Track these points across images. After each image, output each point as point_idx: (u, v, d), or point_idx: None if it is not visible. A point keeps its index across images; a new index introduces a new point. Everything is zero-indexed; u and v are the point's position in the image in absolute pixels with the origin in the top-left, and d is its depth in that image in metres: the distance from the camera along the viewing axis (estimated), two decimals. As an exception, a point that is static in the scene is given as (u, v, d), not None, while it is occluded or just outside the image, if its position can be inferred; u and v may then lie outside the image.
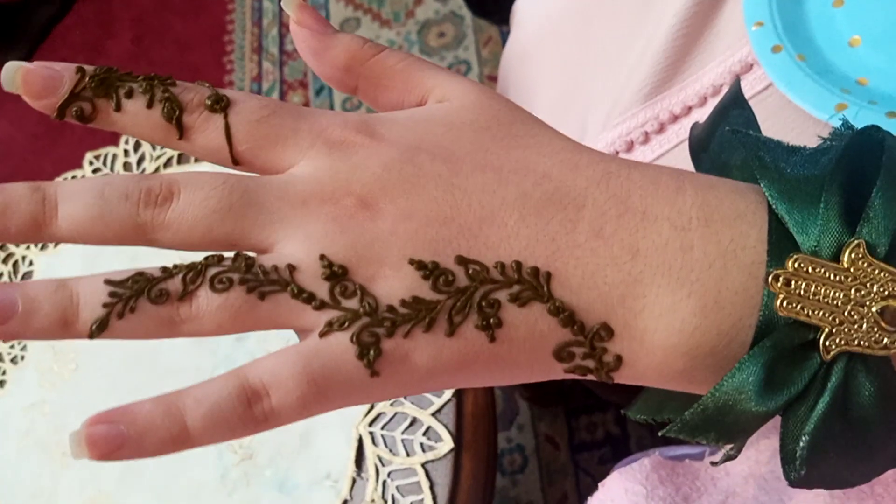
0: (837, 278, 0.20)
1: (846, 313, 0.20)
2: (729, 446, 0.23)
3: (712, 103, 0.43)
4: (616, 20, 0.47)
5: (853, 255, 0.20)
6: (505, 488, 0.96)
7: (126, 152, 0.66)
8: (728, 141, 0.26)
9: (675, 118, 0.44)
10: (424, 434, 0.51)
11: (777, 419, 0.22)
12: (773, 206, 0.21)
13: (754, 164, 0.22)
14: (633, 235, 0.22)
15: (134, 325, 0.21)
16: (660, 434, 0.22)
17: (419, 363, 0.21)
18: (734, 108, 0.28)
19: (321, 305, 0.21)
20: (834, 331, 0.21)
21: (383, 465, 0.51)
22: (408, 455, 0.51)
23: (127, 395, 0.57)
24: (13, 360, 0.64)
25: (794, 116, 0.38)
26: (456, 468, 0.50)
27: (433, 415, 0.51)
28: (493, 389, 0.57)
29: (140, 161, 0.65)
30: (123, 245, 0.22)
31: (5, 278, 0.67)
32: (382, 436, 0.52)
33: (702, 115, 0.43)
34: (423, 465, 0.50)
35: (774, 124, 0.39)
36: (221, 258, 0.22)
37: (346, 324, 0.21)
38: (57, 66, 0.23)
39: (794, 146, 0.23)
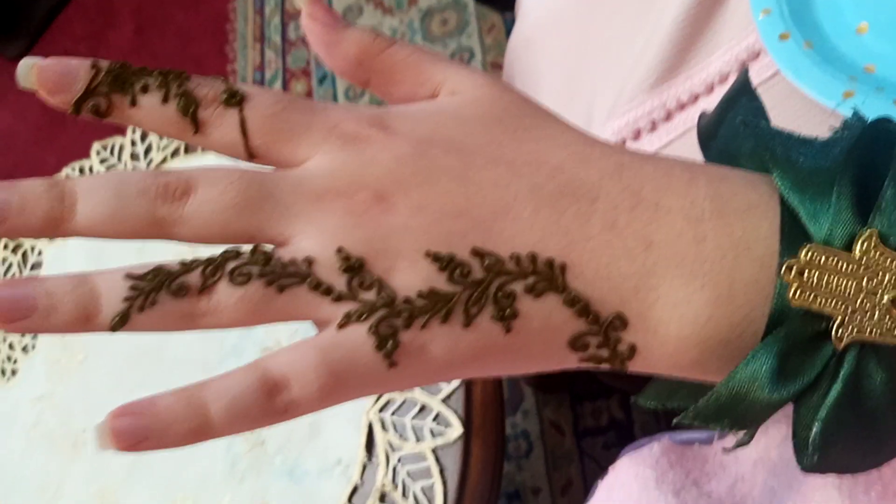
0: (850, 268, 0.21)
1: (858, 303, 0.21)
2: (741, 433, 0.23)
3: (719, 91, 0.43)
4: (621, 7, 0.47)
5: (865, 246, 0.21)
6: (510, 474, 0.97)
7: (133, 142, 0.66)
8: (737, 130, 0.26)
9: (682, 106, 0.44)
10: (434, 420, 0.52)
11: (788, 406, 0.22)
12: (786, 197, 0.22)
13: (766, 155, 0.22)
14: (646, 227, 0.22)
15: (154, 318, 0.21)
16: (674, 422, 0.23)
17: (436, 354, 0.22)
18: (743, 97, 0.28)
19: (339, 298, 0.21)
20: (846, 320, 0.21)
21: (393, 450, 0.52)
22: (418, 441, 0.51)
23: (135, 387, 0.58)
24: (24, 349, 0.64)
25: (802, 104, 0.38)
26: (465, 453, 0.50)
27: (443, 401, 0.52)
28: (500, 376, 0.58)
29: (147, 151, 0.65)
30: (142, 239, 0.23)
31: (14, 269, 0.67)
32: (392, 422, 0.52)
33: (708, 103, 0.43)
34: (433, 451, 0.51)
35: (781, 112, 0.39)
36: (239, 252, 0.22)
37: (364, 316, 0.21)
38: (72, 61, 0.23)
39: (806, 137, 0.23)
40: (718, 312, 0.21)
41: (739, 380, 0.21)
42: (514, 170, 0.22)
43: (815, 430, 0.21)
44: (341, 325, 0.21)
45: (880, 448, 0.22)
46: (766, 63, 0.40)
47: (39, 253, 0.67)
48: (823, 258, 0.21)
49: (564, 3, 0.50)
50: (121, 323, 0.21)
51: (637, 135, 0.46)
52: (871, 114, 0.31)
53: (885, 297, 0.21)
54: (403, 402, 0.53)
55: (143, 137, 0.66)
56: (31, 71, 0.22)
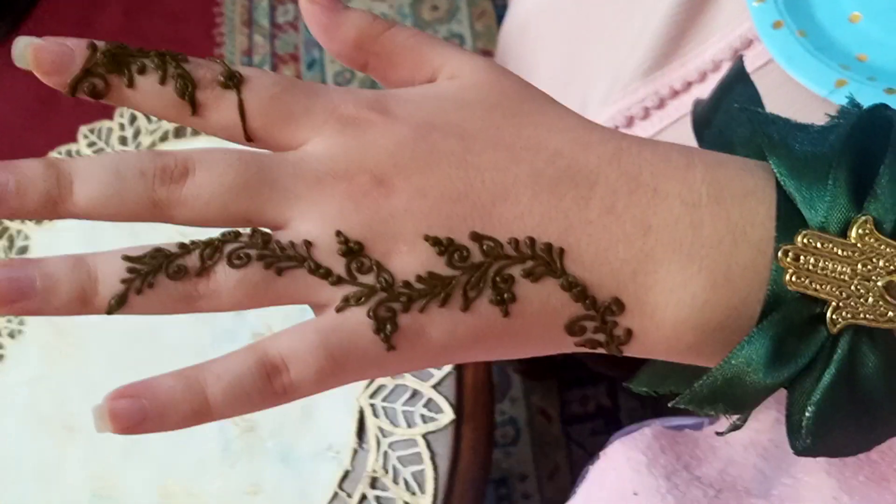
0: (845, 253, 0.21)
1: (853, 287, 0.21)
2: (735, 417, 0.23)
3: (712, 79, 0.43)
4: (616, -6, 0.47)
5: (861, 231, 0.21)
6: (498, 460, 0.97)
7: (122, 126, 0.65)
8: (733, 117, 0.26)
9: (675, 94, 0.45)
10: (425, 406, 0.52)
11: (779, 391, 0.22)
12: (782, 183, 0.22)
13: (763, 141, 0.22)
14: (644, 212, 0.22)
15: (152, 300, 0.21)
16: (669, 405, 0.23)
17: (434, 337, 0.22)
18: (738, 84, 0.28)
19: (338, 281, 0.21)
20: (840, 304, 0.21)
21: (384, 436, 0.52)
22: (409, 426, 0.52)
23: (128, 369, 0.58)
24: (11, 335, 0.64)
25: (795, 92, 0.39)
26: (456, 439, 0.51)
27: (434, 387, 0.52)
28: (489, 362, 0.58)
29: (136, 134, 0.65)
30: (139, 221, 0.22)
31: (0, 254, 0.67)
32: (384, 407, 0.53)
33: (702, 90, 0.44)
34: (423, 437, 0.51)
35: (774, 100, 0.39)
36: (238, 234, 0.22)
37: (363, 299, 0.21)
38: (69, 41, 0.23)
39: (802, 123, 0.23)
40: (715, 296, 0.22)
41: (735, 363, 0.21)
42: (513, 154, 0.22)
43: (808, 413, 0.21)
44: (340, 309, 0.21)
45: (873, 431, 0.23)
46: (759, 51, 0.41)
47: (26, 237, 0.66)
48: (819, 243, 0.21)
49: (558, -11, 0.50)
50: (118, 305, 0.21)
51: (630, 122, 0.46)
52: (862, 102, 0.31)
53: (879, 283, 0.21)
54: (395, 388, 0.53)
55: (132, 121, 0.66)
56: (26, 50, 0.22)
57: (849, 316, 0.21)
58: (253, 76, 0.23)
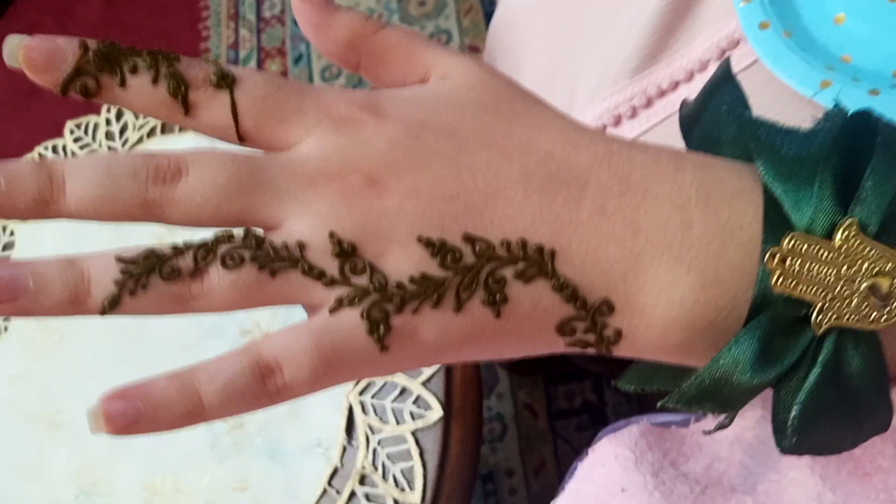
0: (830, 256, 0.21)
1: (837, 290, 0.21)
2: (722, 416, 0.24)
3: (699, 78, 0.44)
4: (604, -9, 0.47)
5: (846, 234, 0.21)
6: (484, 455, 0.98)
7: (108, 121, 0.65)
8: (720, 118, 0.27)
9: (662, 92, 0.45)
10: (414, 402, 0.52)
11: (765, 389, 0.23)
12: (769, 186, 0.22)
13: (751, 144, 0.23)
14: (634, 213, 0.22)
15: (145, 302, 0.21)
16: (658, 405, 0.23)
17: (427, 338, 0.22)
18: (725, 85, 0.28)
19: (331, 282, 0.22)
20: (826, 306, 0.21)
21: (373, 432, 0.52)
22: (398, 423, 0.52)
23: (113, 365, 0.58)
24: (-6, 332, 0.63)
25: (780, 92, 0.39)
26: (445, 435, 0.51)
27: (423, 384, 0.52)
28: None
29: (123, 130, 0.64)
30: (131, 222, 0.22)
31: (-16, 249, 0.66)
32: (373, 404, 0.53)
33: (689, 89, 0.44)
34: (412, 433, 0.51)
35: (760, 99, 0.40)
36: (231, 235, 0.22)
37: (357, 300, 0.21)
38: (59, 40, 0.23)
39: (789, 127, 0.23)
40: (704, 297, 0.22)
41: (723, 363, 0.22)
42: (505, 155, 0.23)
43: (794, 413, 0.22)
44: (333, 310, 0.22)
45: (856, 430, 0.23)
46: (745, 51, 0.41)
47: (11, 233, 0.65)
48: (805, 246, 0.21)
49: (547, -14, 0.50)
50: (112, 306, 0.21)
51: (618, 120, 0.46)
52: (847, 103, 0.32)
53: (863, 285, 0.21)
54: (384, 385, 0.53)
55: (119, 116, 0.65)
56: (17, 49, 0.22)
57: (833, 317, 0.21)
58: (245, 76, 0.23)
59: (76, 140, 0.66)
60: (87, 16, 1.43)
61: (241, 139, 0.23)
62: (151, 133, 0.63)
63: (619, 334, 0.23)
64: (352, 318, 0.21)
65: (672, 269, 0.22)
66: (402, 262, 0.22)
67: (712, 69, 0.43)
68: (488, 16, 1.21)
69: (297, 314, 0.22)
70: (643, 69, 0.45)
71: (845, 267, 0.21)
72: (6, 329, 0.63)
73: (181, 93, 0.23)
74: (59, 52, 0.22)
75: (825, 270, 0.21)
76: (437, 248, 0.22)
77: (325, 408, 0.53)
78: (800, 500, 0.28)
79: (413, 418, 0.52)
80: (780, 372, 0.22)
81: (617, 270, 0.22)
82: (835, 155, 0.22)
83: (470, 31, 1.22)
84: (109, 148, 0.64)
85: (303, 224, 0.22)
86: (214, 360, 0.21)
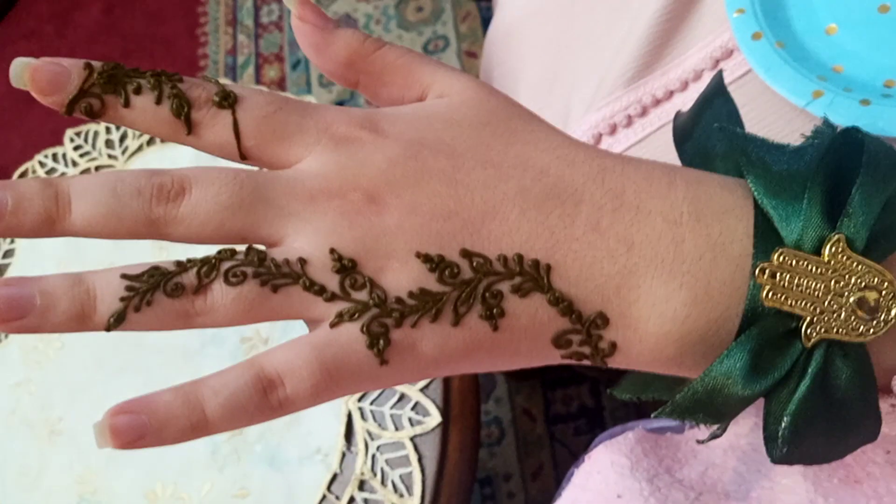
0: (819, 270, 0.22)
1: (826, 303, 0.22)
2: (715, 426, 0.24)
3: (693, 87, 0.44)
4: (602, 1, 0.48)
5: (834, 249, 0.22)
6: (482, 460, 0.98)
7: (108, 129, 0.65)
8: (712, 131, 0.27)
9: (657, 102, 0.45)
10: (413, 409, 0.53)
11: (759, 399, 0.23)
12: (759, 202, 0.23)
13: (742, 160, 0.23)
14: (628, 229, 0.23)
15: (150, 318, 0.22)
16: (652, 416, 0.24)
17: (426, 352, 0.22)
18: (717, 98, 0.29)
19: (332, 297, 0.22)
20: (815, 320, 0.22)
21: (372, 439, 0.53)
22: (396, 429, 0.52)
23: (114, 373, 0.58)
24: (-5, 340, 0.64)
25: (773, 102, 0.39)
26: (443, 441, 0.51)
27: (421, 390, 0.53)
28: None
29: (122, 138, 0.65)
30: (135, 239, 0.23)
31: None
32: (371, 411, 0.53)
33: (683, 99, 0.44)
34: (411, 439, 0.52)
35: (753, 109, 0.40)
36: (234, 252, 0.22)
37: (357, 315, 0.22)
38: (65, 62, 0.23)
39: (779, 143, 0.24)
40: (696, 310, 0.22)
41: (715, 376, 0.22)
42: (501, 172, 0.23)
43: (784, 423, 0.22)
44: (334, 324, 0.22)
45: (846, 440, 0.24)
46: (739, 61, 0.42)
47: (12, 241, 0.66)
48: (794, 261, 0.22)
49: (544, -3, 0.51)
50: (117, 322, 0.22)
51: (613, 129, 0.46)
52: (839, 113, 0.32)
53: (851, 299, 0.22)
54: (382, 392, 0.54)
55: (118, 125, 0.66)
56: (24, 71, 0.22)
57: (822, 330, 0.22)
58: (247, 95, 0.24)
59: (76, 148, 0.66)
60: (85, 22, 1.44)
61: (243, 157, 0.24)
62: (151, 141, 0.63)
63: (613, 347, 0.23)
64: (352, 332, 0.22)
65: (665, 284, 0.22)
66: (402, 277, 0.22)
67: (706, 79, 0.43)
68: (486, 22, 1.21)
69: (296, 321, 0.23)
70: (638, 79, 0.45)
71: (833, 281, 0.22)
72: (6, 337, 0.64)
73: (184, 112, 0.23)
74: (64, 74, 0.23)
75: (814, 284, 0.22)
76: (436, 264, 0.22)
77: (325, 415, 0.54)
78: (792, 506, 0.29)
79: (412, 424, 0.52)
80: (771, 383, 0.22)
81: (611, 285, 0.23)
82: (823, 171, 0.22)
83: (467, 37, 1.23)
84: (109, 156, 0.64)
85: (304, 241, 0.22)
86: (217, 374, 0.22)
